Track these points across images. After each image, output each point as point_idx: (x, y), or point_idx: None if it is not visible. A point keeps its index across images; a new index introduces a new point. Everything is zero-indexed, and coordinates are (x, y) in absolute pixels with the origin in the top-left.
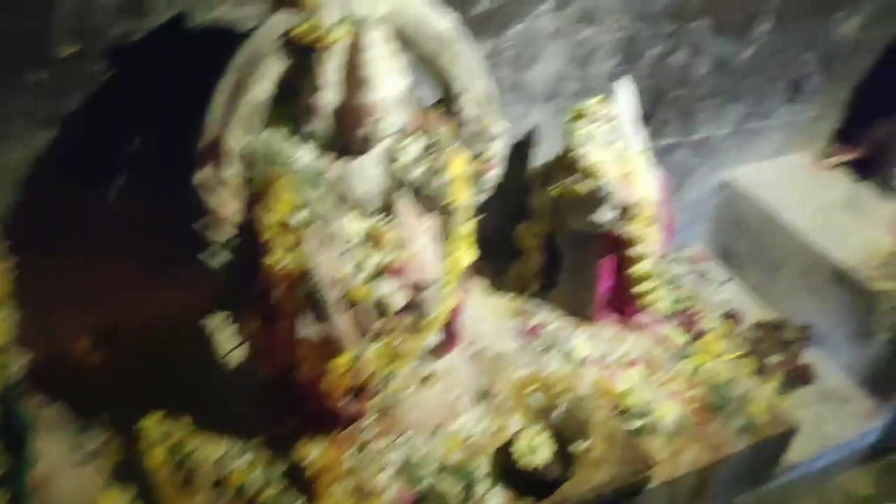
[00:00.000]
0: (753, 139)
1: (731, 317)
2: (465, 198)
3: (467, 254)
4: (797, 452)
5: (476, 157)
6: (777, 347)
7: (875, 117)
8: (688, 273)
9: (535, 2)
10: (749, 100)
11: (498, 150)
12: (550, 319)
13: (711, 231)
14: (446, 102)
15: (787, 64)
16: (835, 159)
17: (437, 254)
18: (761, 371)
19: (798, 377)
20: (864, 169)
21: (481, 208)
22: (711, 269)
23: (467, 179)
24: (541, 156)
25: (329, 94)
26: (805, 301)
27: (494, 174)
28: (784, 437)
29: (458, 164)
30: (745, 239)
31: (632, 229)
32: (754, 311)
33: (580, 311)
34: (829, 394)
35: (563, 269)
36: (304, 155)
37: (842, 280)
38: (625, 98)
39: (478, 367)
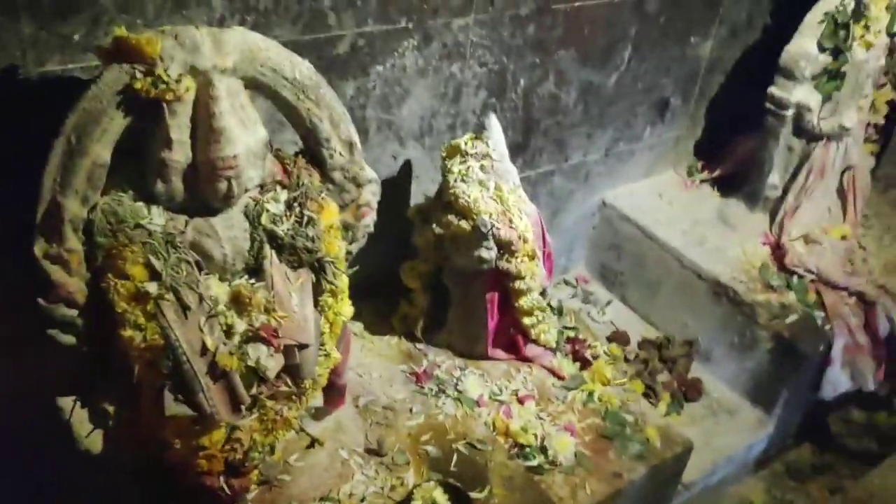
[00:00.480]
0: (625, 162)
1: (617, 339)
2: (337, 249)
3: (345, 307)
4: (693, 470)
5: (347, 205)
6: (664, 366)
7: (736, 135)
8: (572, 297)
9: (397, 40)
10: (617, 124)
11: (370, 195)
12: (441, 360)
13: (592, 254)
14: (310, 151)
15: (649, 88)
16: (702, 176)
17: (313, 311)
18: (651, 392)
19: (687, 394)
20: (731, 184)
21: (362, 249)
22: (595, 291)
23: (339, 230)
24: (420, 192)
25: (181, 150)
26: (687, 317)
27: (370, 220)
28: (680, 458)
29: (327, 215)
30: (624, 259)
31: (514, 265)
32: (639, 331)
33: (470, 349)
34: (718, 407)
35: (451, 307)
36: (156, 218)
37: (719, 294)
38: (494, 133)
39: (367, 422)
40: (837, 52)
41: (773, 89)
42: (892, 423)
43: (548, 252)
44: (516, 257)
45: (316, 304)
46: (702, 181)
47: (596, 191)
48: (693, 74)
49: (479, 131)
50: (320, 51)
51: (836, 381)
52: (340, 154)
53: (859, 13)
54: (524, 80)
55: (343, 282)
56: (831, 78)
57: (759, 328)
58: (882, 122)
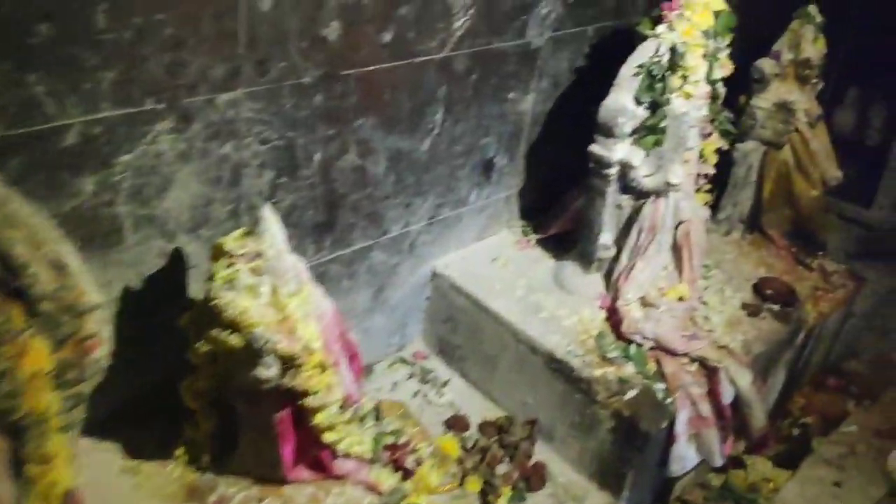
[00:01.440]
0: (452, 227)
1: (455, 425)
2: (45, 404)
3: (62, 475)
4: None
5: (65, 340)
6: (505, 452)
7: (568, 189)
8: (409, 378)
9: (146, 123)
10: (438, 190)
11: (97, 323)
12: (234, 491)
13: (429, 327)
14: (6, 280)
15: (469, 150)
16: (535, 237)
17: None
18: (489, 488)
19: (530, 482)
20: (566, 244)
21: (132, 366)
22: (435, 367)
23: (48, 377)
24: (200, 293)
25: None
26: (527, 394)
27: (99, 354)
28: None
29: (32, 361)
30: (460, 332)
31: (301, 381)
32: (481, 410)
33: (268, 473)
34: (564, 495)
35: (240, 428)
36: None
37: (556, 369)
38: (270, 227)
39: None
40: (655, 106)
41: (593, 147)
42: (748, 483)
43: (352, 354)
44: (303, 372)
45: (19, 475)
46: (538, 240)
47: (425, 260)
48: (517, 131)
49: (254, 226)
50: (40, 146)
51: (684, 456)
52: (46, 281)
53: (675, 64)
54: (319, 154)
55: (56, 444)
56: (651, 133)
57: (598, 407)
58: (712, 171)
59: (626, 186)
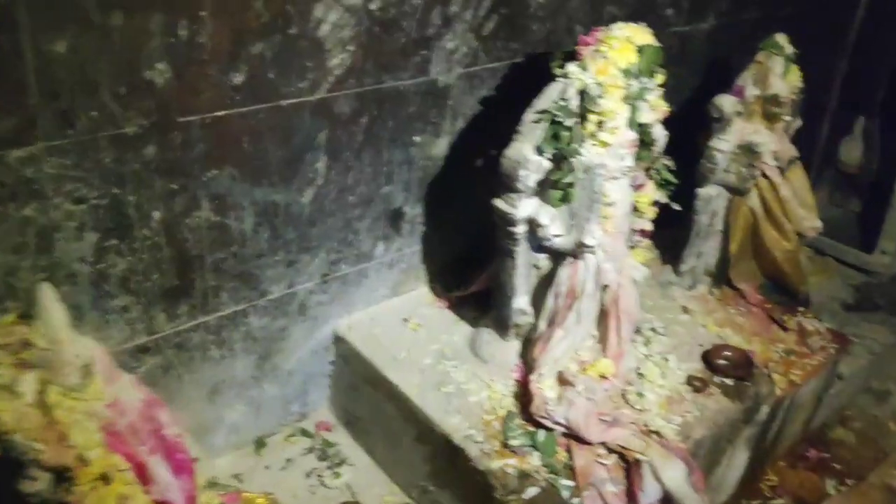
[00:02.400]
0: (356, 285)
1: None
2: None
3: None
4: None
5: None
6: None
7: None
8: (307, 452)
9: None
10: (331, 245)
11: None
12: None
13: (335, 394)
14: None
15: (367, 200)
16: (452, 296)
17: None
18: None
19: None
20: (484, 303)
21: None
22: (339, 440)
23: None
24: None
25: None
26: (428, 481)
27: None
28: None
29: None
30: (363, 403)
31: (78, 495)
32: (378, 496)
33: None
34: None
35: None
36: None
37: (451, 456)
38: (46, 312)
39: None
40: (562, 158)
41: (497, 202)
42: None
43: (175, 453)
44: (79, 485)
45: None
46: (458, 298)
47: (322, 322)
48: (427, 177)
49: (31, 309)
50: None
51: None
52: None
53: (586, 109)
54: (160, 212)
55: None
56: (557, 188)
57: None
58: (649, 227)
59: (539, 245)
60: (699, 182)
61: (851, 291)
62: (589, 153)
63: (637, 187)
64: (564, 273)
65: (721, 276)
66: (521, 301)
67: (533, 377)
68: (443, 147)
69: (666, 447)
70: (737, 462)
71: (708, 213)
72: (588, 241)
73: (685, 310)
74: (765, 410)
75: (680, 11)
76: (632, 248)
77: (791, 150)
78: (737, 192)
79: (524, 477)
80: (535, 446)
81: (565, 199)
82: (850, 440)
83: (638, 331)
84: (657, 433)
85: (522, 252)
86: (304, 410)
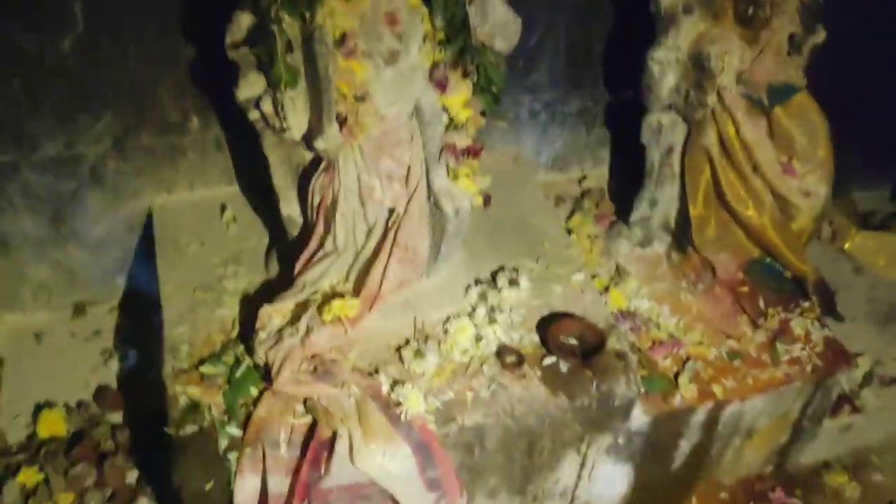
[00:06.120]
0: (171, 160)
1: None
2: None
3: None
4: None
5: None
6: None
7: None
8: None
9: None
10: (122, 108)
11: None
12: None
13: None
14: None
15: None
16: None
17: None
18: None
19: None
20: None
21: None
22: None
23: None
24: None
25: None
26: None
27: None
28: None
29: None
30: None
31: None
32: None
33: None
34: None
35: None
36: None
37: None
38: None
39: None
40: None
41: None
42: None
43: None
44: None
45: None
46: None
47: (129, 195)
48: None
49: None
50: None
51: None
52: None
53: None
54: None
55: None
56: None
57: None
58: (466, 143)
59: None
60: (644, 106)
61: None
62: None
63: (439, 86)
64: (317, 182)
65: (683, 236)
66: (287, 207)
67: (275, 301)
68: None
69: (396, 426)
70: (605, 475)
71: (659, 148)
72: (318, 142)
73: (618, 270)
74: (643, 419)
75: None
76: (455, 176)
77: (787, 76)
78: (688, 124)
79: (192, 410)
80: (230, 379)
81: (292, 81)
82: (850, 494)
83: (494, 276)
84: (398, 404)
85: (271, 146)
86: (137, 287)
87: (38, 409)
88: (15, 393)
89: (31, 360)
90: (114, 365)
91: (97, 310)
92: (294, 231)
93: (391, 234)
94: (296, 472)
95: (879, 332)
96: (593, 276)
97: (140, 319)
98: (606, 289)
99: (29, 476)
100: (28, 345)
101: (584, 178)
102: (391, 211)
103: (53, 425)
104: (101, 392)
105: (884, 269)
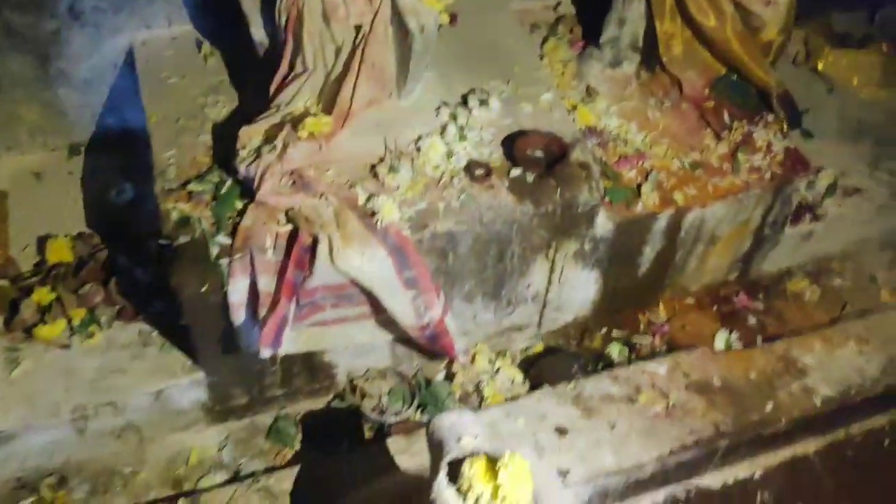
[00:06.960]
0: None
1: None
2: None
3: None
4: None
5: None
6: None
7: None
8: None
9: None
10: None
11: None
12: None
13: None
14: None
15: None
16: None
17: None
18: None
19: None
20: None
21: None
22: None
23: None
24: None
25: None
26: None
27: None
28: None
29: None
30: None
31: None
32: None
33: None
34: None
35: None
36: None
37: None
38: None
39: None
40: None
41: None
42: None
43: None
44: None
45: None
46: None
47: (109, 32)
48: None
49: None
50: None
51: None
52: None
53: None
54: None
55: None
56: None
57: None
58: None
59: None
60: None
61: None
62: None
63: None
64: (283, 2)
65: (652, 55)
66: (257, 31)
67: (259, 119)
68: None
69: (372, 232)
70: (574, 279)
71: None
72: None
73: (588, 90)
74: (608, 226)
75: None
76: None
77: None
78: None
79: (183, 223)
80: (217, 196)
81: None
82: (810, 297)
83: (465, 97)
84: (374, 214)
85: None
86: (127, 124)
87: (44, 240)
88: (21, 227)
89: (33, 197)
90: (112, 198)
91: (91, 149)
92: (260, 49)
93: (358, 53)
94: (281, 272)
95: (848, 148)
96: (563, 98)
97: (133, 157)
98: (575, 108)
99: (42, 295)
100: (29, 183)
101: (559, 3)
102: (358, 30)
103: (60, 252)
104: (101, 223)
105: (857, 88)
